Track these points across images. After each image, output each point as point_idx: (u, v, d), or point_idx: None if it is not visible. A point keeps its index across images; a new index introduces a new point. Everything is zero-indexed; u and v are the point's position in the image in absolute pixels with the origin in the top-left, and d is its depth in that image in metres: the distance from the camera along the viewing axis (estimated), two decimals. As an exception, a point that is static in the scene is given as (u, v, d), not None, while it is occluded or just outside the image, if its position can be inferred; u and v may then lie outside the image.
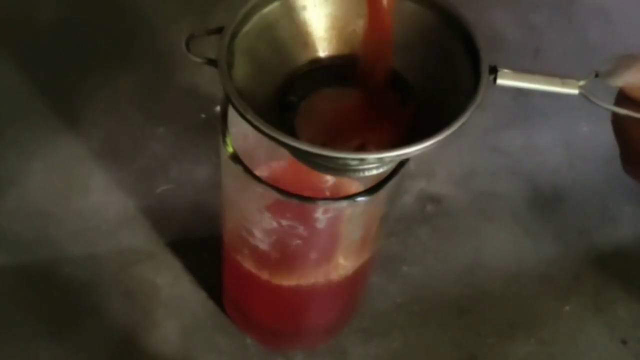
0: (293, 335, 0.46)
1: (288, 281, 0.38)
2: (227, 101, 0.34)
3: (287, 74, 0.32)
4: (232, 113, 0.34)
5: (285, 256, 0.37)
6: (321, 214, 0.34)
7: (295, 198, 0.32)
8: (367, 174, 0.31)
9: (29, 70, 0.54)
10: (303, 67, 0.32)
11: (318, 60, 0.33)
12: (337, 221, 0.35)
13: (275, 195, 0.32)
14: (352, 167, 0.30)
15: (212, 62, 0.30)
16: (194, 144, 0.51)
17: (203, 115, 0.53)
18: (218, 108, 0.34)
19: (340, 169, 0.30)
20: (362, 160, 0.29)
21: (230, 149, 0.33)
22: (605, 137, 0.54)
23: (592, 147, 0.55)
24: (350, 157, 0.29)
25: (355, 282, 0.41)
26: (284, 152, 0.30)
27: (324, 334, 0.45)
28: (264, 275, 0.38)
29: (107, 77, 0.54)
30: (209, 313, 0.46)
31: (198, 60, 0.30)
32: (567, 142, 0.56)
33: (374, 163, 0.30)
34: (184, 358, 0.44)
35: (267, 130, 0.28)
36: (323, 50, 0.33)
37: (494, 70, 0.30)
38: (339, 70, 0.33)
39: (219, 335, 0.45)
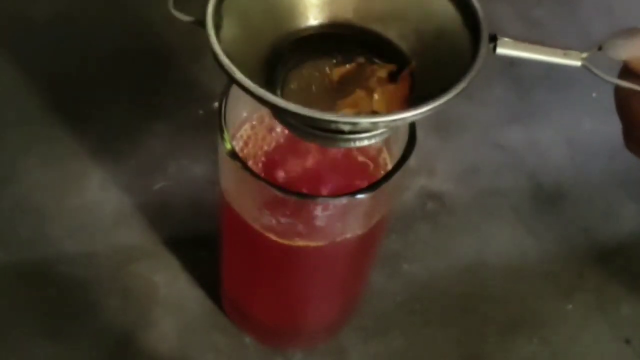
0: (292, 334, 0.46)
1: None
2: (224, 95, 0.33)
3: (277, 42, 0.31)
4: (230, 109, 0.34)
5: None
6: (320, 211, 0.33)
7: (294, 195, 0.32)
8: (358, 144, 0.30)
9: (25, 67, 0.54)
10: (294, 35, 0.31)
11: (309, 28, 0.32)
12: (337, 218, 0.34)
13: (273, 192, 0.32)
14: (344, 135, 0.29)
15: (200, 23, 0.28)
16: (191, 140, 0.51)
17: (201, 112, 0.53)
18: (216, 104, 0.34)
19: (331, 137, 0.29)
20: (354, 124, 0.27)
21: (228, 146, 0.33)
22: (608, 134, 0.54)
23: (595, 143, 0.55)
24: (343, 120, 0.27)
25: (364, 247, 0.40)
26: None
27: (324, 333, 0.45)
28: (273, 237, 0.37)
29: (103, 73, 0.54)
30: (207, 311, 0.45)
31: (185, 18, 0.29)
32: (570, 139, 0.55)
33: (367, 130, 0.29)
34: (181, 357, 0.44)
35: (256, 91, 0.27)
36: (315, 17, 0.32)
37: (493, 39, 0.29)
38: (331, 39, 0.32)
39: (217, 334, 0.45)
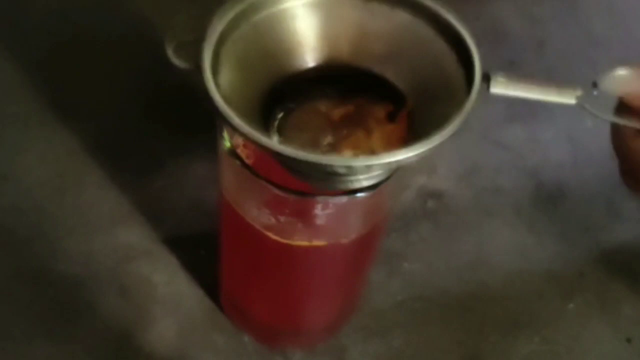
0: (292, 333, 0.45)
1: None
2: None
3: (275, 84, 0.31)
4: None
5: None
6: (320, 210, 0.33)
7: (293, 193, 0.32)
8: (356, 185, 0.30)
9: (23, 65, 0.53)
10: (292, 77, 0.32)
11: (307, 71, 0.32)
12: (337, 217, 0.34)
13: (273, 190, 0.32)
14: (341, 177, 0.29)
15: (199, 69, 0.29)
16: (191, 139, 0.51)
17: (201, 110, 0.52)
18: (215, 102, 0.34)
19: (328, 178, 0.30)
20: (349, 167, 0.28)
21: (228, 144, 0.33)
22: (609, 133, 0.54)
23: (597, 142, 0.55)
24: (338, 164, 0.28)
25: (364, 247, 0.40)
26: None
27: (323, 332, 0.45)
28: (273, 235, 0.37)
29: (102, 71, 0.54)
30: (206, 311, 0.45)
31: (183, 65, 0.29)
32: (571, 138, 0.55)
33: (363, 172, 0.29)
34: (180, 356, 0.44)
35: (254, 137, 0.27)
36: (312, 59, 0.32)
37: (487, 78, 0.29)
38: (329, 81, 0.32)
39: (216, 334, 0.45)
